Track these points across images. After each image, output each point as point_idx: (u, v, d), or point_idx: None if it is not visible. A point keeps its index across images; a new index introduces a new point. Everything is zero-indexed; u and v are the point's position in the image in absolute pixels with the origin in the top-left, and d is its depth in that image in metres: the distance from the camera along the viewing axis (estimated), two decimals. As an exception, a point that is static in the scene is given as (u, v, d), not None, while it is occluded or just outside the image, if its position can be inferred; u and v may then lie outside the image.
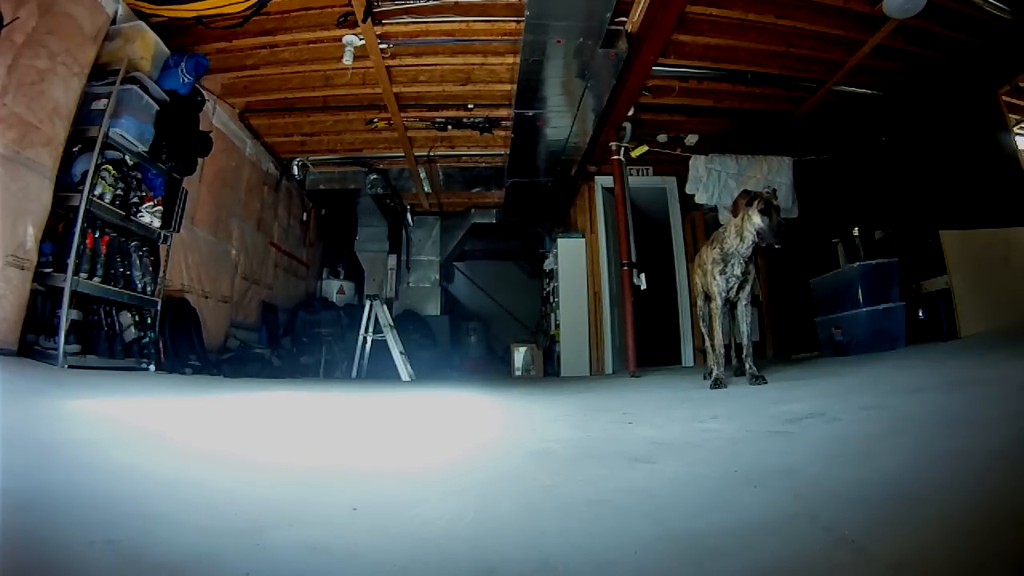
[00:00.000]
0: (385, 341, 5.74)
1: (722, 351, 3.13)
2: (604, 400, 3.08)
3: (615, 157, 5.37)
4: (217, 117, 4.87)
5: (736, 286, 3.09)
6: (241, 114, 5.29)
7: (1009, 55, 4.12)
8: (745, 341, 3.09)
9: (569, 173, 6.04)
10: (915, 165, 4.71)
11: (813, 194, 5.41)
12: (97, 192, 3.20)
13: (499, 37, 4.27)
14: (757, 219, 2.86)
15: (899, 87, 4.77)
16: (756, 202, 2.88)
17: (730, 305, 3.30)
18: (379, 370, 5.80)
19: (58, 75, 2.97)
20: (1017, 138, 4.54)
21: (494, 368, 8.36)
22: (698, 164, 5.32)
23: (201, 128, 4.29)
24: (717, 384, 2.93)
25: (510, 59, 4.46)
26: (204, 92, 4.29)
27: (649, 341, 5.85)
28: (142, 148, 3.53)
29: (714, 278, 3.09)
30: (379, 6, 3.90)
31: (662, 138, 5.64)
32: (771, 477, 1.21)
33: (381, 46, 4.23)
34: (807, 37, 4.28)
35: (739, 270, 3.03)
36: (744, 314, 3.13)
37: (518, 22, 3.84)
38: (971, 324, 3.68)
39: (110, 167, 3.35)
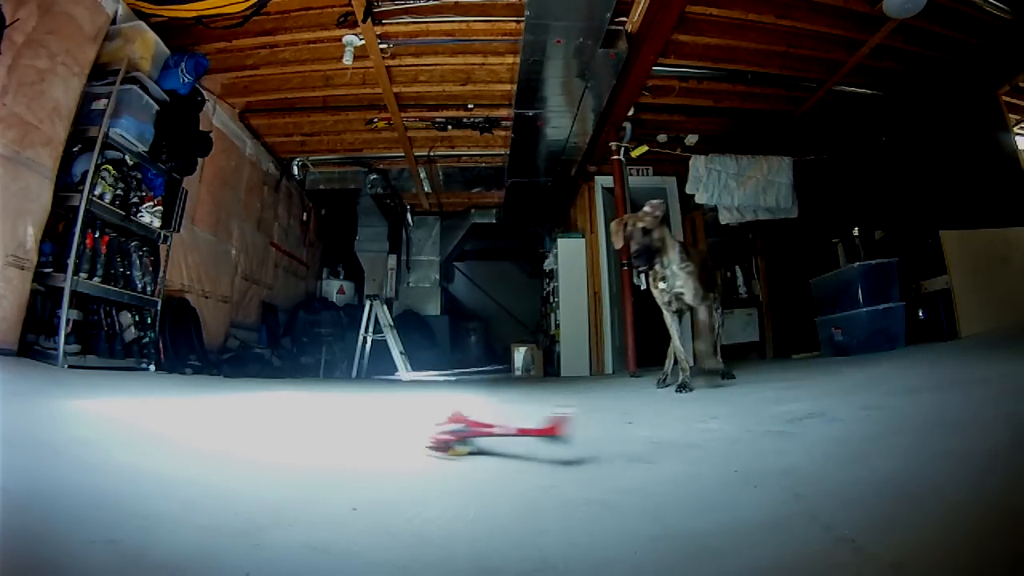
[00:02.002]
0: (385, 341, 5.75)
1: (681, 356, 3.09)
2: (604, 400, 3.09)
3: (615, 157, 5.37)
4: (217, 117, 4.87)
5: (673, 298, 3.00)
6: (241, 114, 5.29)
7: (1009, 55, 4.12)
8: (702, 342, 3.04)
9: (569, 173, 6.04)
10: (915, 165, 4.71)
11: (813, 194, 5.41)
12: (97, 192, 3.20)
13: (499, 37, 4.27)
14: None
15: (899, 87, 4.77)
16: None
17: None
18: (379, 370, 5.80)
19: (58, 75, 2.97)
20: (1017, 138, 4.54)
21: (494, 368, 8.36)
22: (698, 164, 5.32)
23: (201, 128, 4.29)
24: (683, 388, 2.85)
25: (510, 59, 4.46)
26: (204, 92, 4.29)
27: (649, 341, 5.84)
28: (142, 148, 3.53)
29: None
30: (379, 6, 3.90)
31: (662, 138, 5.64)
32: (771, 477, 1.21)
33: (381, 46, 4.23)
34: (807, 37, 4.28)
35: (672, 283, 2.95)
36: (706, 315, 3.01)
37: (518, 22, 3.84)
38: (971, 324, 3.69)
39: (110, 167, 3.35)
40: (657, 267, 2.92)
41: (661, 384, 3.22)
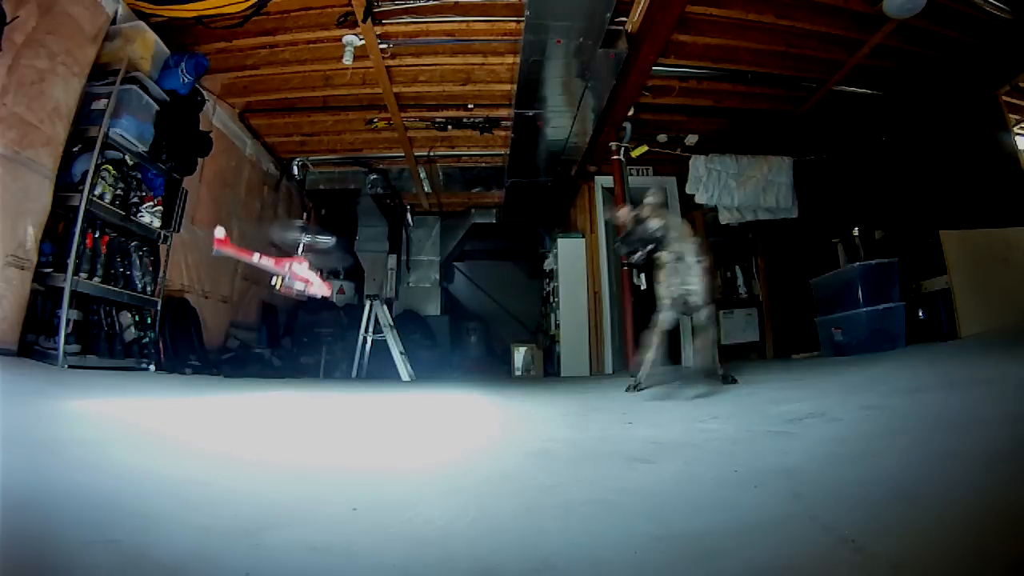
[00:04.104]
0: (385, 341, 5.74)
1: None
2: (604, 400, 3.08)
3: (615, 157, 5.37)
4: (217, 117, 4.86)
5: None
6: (241, 114, 5.28)
7: (1009, 55, 4.11)
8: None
9: (569, 173, 6.04)
10: (915, 165, 4.71)
11: (813, 194, 5.41)
12: (97, 192, 3.20)
13: (499, 37, 4.27)
14: None
15: (899, 87, 4.76)
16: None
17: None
18: (379, 370, 5.80)
19: (58, 75, 2.97)
20: (1017, 138, 4.54)
21: (494, 368, 8.36)
22: (698, 164, 5.32)
23: (201, 128, 4.28)
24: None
25: (510, 59, 4.45)
26: (204, 92, 4.29)
27: (649, 341, 5.84)
28: (142, 148, 3.53)
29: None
30: (379, 6, 3.90)
31: (662, 138, 5.64)
32: (771, 477, 1.21)
33: (381, 46, 4.22)
34: (807, 37, 4.28)
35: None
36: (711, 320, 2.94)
37: (518, 22, 3.83)
38: (971, 324, 3.69)
39: (110, 167, 3.35)
40: (665, 257, 2.74)
41: (632, 389, 2.97)
